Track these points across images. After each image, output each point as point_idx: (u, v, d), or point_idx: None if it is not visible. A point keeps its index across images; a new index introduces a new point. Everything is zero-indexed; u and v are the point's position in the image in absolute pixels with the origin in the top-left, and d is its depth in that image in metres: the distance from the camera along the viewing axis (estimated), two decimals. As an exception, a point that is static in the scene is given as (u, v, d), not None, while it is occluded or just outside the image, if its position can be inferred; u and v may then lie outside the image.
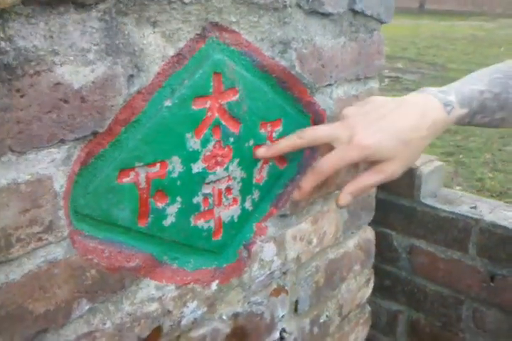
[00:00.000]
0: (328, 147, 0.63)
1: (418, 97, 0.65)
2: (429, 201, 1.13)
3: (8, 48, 0.39)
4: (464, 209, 1.09)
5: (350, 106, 0.67)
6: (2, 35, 0.39)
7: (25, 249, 0.45)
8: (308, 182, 0.63)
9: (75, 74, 0.44)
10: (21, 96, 0.41)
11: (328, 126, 0.64)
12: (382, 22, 0.84)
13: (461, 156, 3.83)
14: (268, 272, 0.75)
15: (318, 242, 0.85)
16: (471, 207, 1.10)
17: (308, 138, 0.64)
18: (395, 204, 1.18)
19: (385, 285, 1.23)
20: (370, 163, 0.63)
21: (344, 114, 0.65)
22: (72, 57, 0.44)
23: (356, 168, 0.81)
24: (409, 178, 1.14)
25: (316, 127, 0.67)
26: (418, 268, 1.17)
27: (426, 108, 0.63)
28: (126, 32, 0.48)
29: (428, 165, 1.16)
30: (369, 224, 1.03)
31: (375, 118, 0.62)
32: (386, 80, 5.89)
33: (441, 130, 0.64)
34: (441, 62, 6.75)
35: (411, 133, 0.61)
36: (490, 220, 1.03)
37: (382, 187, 1.17)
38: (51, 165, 0.45)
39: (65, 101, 0.44)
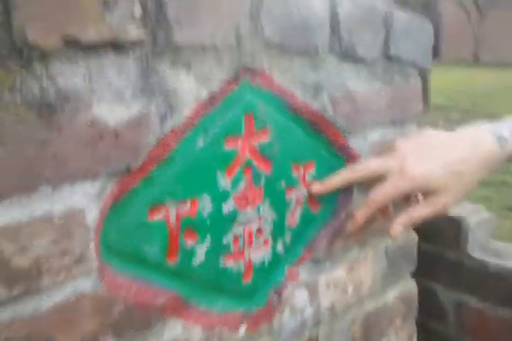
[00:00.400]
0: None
1: (470, 131, 0.65)
2: (477, 254, 1.08)
3: (49, 87, 0.42)
4: (514, 263, 1.03)
5: (385, 150, 0.68)
6: (45, 75, 0.42)
7: (55, 279, 0.46)
8: (361, 213, 0.64)
9: (111, 112, 0.47)
10: (59, 132, 0.43)
11: (380, 159, 0.65)
12: (419, 68, 0.85)
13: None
14: (300, 319, 0.73)
15: (354, 292, 0.81)
16: (523, 261, 1.04)
17: (360, 171, 0.65)
18: (441, 257, 1.13)
19: (431, 343, 1.16)
20: (422, 195, 0.63)
21: (395, 146, 0.65)
22: (108, 96, 0.46)
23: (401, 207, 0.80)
24: (456, 229, 1.10)
25: (367, 160, 0.67)
26: (467, 327, 1.10)
27: (478, 141, 0.62)
28: (161, 74, 0.51)
29: (475, 216, 1.12)
30: (413, 278, 0.99)
31: (426, 149, 0.62)
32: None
33: (495, 164, 0.63)
34: (497, 113, 6.64)
35: (462, 165, 0.61)
36: (542, 274, 0.97)
37: (426, 238, 1.13)
38: (84, 199, 0.47)
39: (100, 138, 0.46)
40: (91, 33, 0.44)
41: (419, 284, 1.02)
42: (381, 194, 0.61)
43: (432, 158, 0.61)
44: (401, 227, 0.62)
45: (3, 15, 0.39)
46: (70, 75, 0.44)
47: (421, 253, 1.04)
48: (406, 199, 0.70)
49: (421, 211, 0.62)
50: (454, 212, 1.09)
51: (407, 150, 0.63)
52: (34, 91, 0.41)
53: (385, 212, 0.72)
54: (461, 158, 0.61)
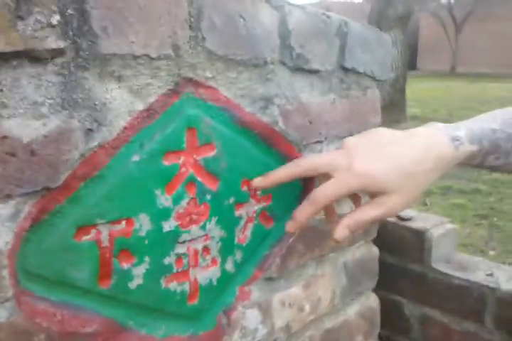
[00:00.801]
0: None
1: (424, 131, 0.62)
2: (441, 266, 1.06)
3: (-50, 100, 0.39)
4: (479, 276, 1.01)
5: None
6: None
7: (-39, 310, 0.42)
8: (303, 212, 0.58)
9: (25, 127, 0.43)
10: (-38, 149, 0.40)
11: (328, 154, 0.61)
12: (376, 80, 0.83)
13: (495, 219, 3.68)
14: (252, 341, 0.69)
15: (311, 309, 0.78)
16: (487, 275, 1.02)
17: (306, 166, 0.61)
18: (405, 270, 1.11)
19: (397, 359, 1.13)
20: (371, 195, 0.59)
21: (344, 143, 0.62)
22: (22, 111, 0.43)
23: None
24: (419, 241, 1.08)
25: (314, 155, 0.64)
26: (431, 340, 1.07)
27: (431, 141, 0.59)
28: (87, 86, 0.47)
29: (439, 228, 1.10)
30: (377, 291, 0.97)
31: (377, 146, 0.59)
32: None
33: (449, 166, 0.60)
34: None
35: (414, 165, 0.57)
36: (507, 289, 0.95)
37: (390, 251, 1.11)
38: (-5, 221, 0.43)
39: (13, 155, 0.43)
40: (1, 43, 0.41)
41: (383, 297, 1.00)
42: (326, 192, 0.56)
43: (383, 157, 0.57)
44: (346, 230, 0.57)
45: None
46: (-23, 88, 0.40)
47: (385, 266, 1.02)
48: (354, 200, 0.67)
49: (368, 212, 0.57)
50: (418, 223, 1.07)
51: (357, 147, 0.59)
52: None
53: (329, 213, 0.68)
54: (414, 157, 0.57)
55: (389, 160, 0.57)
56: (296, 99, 0.69)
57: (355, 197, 0.66)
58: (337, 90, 0.76)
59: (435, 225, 1.09)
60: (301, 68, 0.69)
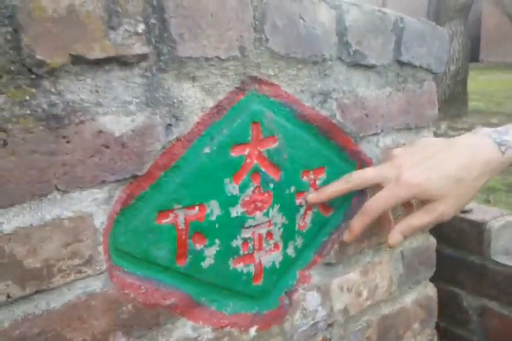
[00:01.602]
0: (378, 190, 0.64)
1: (470, 137, 0.64)
2: (500, 258, 1.06)
3: (57, 101, 0.46)
4: (539, 267, 1.01)
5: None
6: (53, 90, 0.45)
7: (65, 279, 0.49)
8: (358, 222, 0.63)
9: (117, 123, 0.50)
10: (67, 142, 0.47)
11: (376, 168, 0.65)
12: (432, 72, 0.85)
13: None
14: (312, 322, 0.74)
15: (369, 295, 0.82)
16: (549, 266, 1.01)
17: (356, 181, 0.65)
18: (464, 262, 1.11)
19: (456, 349, 1.14)
20: (422, 203, 0.63)
21: (391, 155, 0.65)
22: (114, 109, 0.50)
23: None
24: (478, 233, 1.08)
25: (363, 170, 0.68)
26: (491, 333, 1.08)
27: (478, 148, 0.62)
28: (166, 86, 0.54)
29: (499, 220, 1.10)
30: (436, 283, 0.99)
31: (423, 157, 0.62)
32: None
33: (498, 170, 0.62)
34: (540, 117, 6.42)
35: (461, 172, 0.60)
36: None
37: (449, 243, 1.12)
38: (93, 204, 0.50)
39: (107, 147, 0.49)
40: (96, 50, 0.47)
41: (442, 289, 1.02)
42: (377, 203, 0.61)
43: (430, 166, 0.60)
44: (400, 236, 0.61)
45: (13, 36, 0.42)
46: (77, 90, 0.47)
47: (444, 258, 1.04)
48: (407, 207, 0.70)
49: (420, 219, 0.61)
50: (477, 215, 1.08)
51: (404, 158, 0.62)
52: (43, 105, 0.45)
53: (383, 221, 0.72)
54: (460, 164, 0.60)
55: (436, 169, 0.60)
56: (353, 93, 0.73)
57: (407, 204, 0.69)
58: (393, 84, 0.79)
59: (494, 217, 1.09)
60: (357, 64, 0.72)
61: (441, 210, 0.60)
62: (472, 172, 0.60)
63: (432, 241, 0.94)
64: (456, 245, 1.12)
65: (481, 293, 1.09)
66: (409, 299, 0.91)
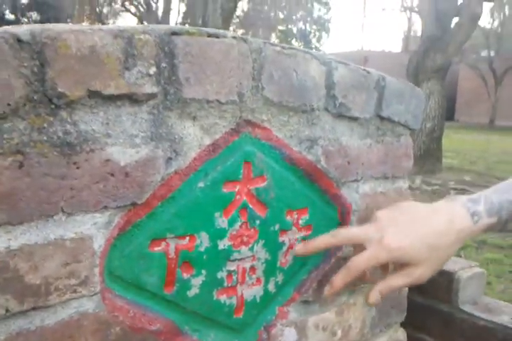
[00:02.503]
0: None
1: (447, 205, 0.70)
2: (467, 308, 1.10)
3: (72, 130, 0.50)
4: (503, 319, 1.05)
5: (376, 202, 0.73)
6: (69, 120, 0.50)
7: (61, 298, 0.52)
8: (339, 278, 0.68)
9: (123, 153, 0.54)
10: (77, 168, 0.51)
11: (361, 228, 0.70)
12: (409, 128, 0.92)
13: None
14: (288, 358, 0.76)
15: (342, 335, 0.85)
16: (512, 317, 1.06)
17: (341, 237, 0.71)
18: (433, 309, 1.15)
19: None
20: (400, 265, 0.68)
21: (376, 217, 0.71)
22: (121, 140, 0.54)
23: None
24: (448, 282, 1.13)
25: (349, 228, 0.73)
26: (459, 381, 1.10)
27: (453, 216, 0.68)
28: (170, 124, 0.59)
29: (467, 271, 1.15)
30: (404, 329, 1.02)
31: (405, 222, 0.68)
32: (452, 192, 5.84)
33: (468, 238, 0.69)
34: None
35: (438, 239, 0.66)
36: (532, 331, 0.99)
37: (419, 290, 1.16)
38: (93, 227, 0.54)
39: (112, 175, 0.54)
40: (111, 87, 0.53)
41: (411, 335, 1.05)
42: (360, 263, 0.66)
43: (411, 231, 0.66)
44: (379, 295, 0.66)
45: (39, 69, 0.47)
46: (90, 121, 0.52)
47: (413, 305, 1.07)
48: (383, 268, 0.75)
49: (398, 281, 0.67)
50: (447, 266, 1.12)
51: (387, 221, 0.68)
52: (58, 133, 0.49)
53: (362, 278, 0.76)
54: (437, 231, 0.66)
55: (416, 236, 0.66)
56: (337, 141, 0.79)
57: (383, 266, 0.75)
58: (374, 136, 0.85)
59: (463, 268, 1.15)
60: (342, 115, 0.79)
61: (418, 274, 0.66)
62: (447, 240, 0.66)
63: (405, 288, 0.98)
64: (426, 293, 1.16)
65: (449, 340, 1.12)
66: (381, 342, 0.94)
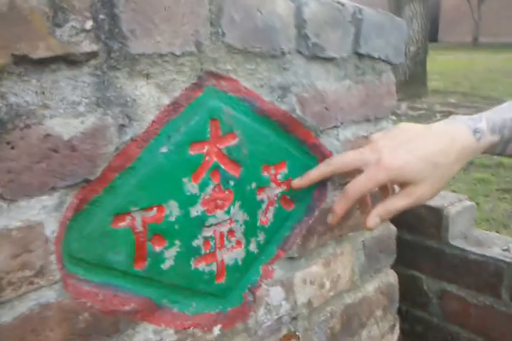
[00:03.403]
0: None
1: (447, 124, 0.65)
2: (457, 243, 1.09)
3: (0, 105, 0.43)
4: (495, 251, 1.04)
5: (359, 147, 0.68)
6: (-6, 93, 0.42)
7: (16, 292, 0.47)
8: (340, 206, 0.64)
9: (65, 125, 0.47)
10: (12, 148, 0.44)
11: (356, 151, 0.65)
12: (391, 63, 0.85)
13: (519, 193, 3.66)
14: (276, 317, 0.74)
15: (331, 286, 0.83)
16: (504, 250, 1.04)
17: (336, 164, 0.66)
18: (423, 246, 1.14)
19: (416, 332, 1.18)
20: (400, 187, 0.63)
21: (371, 139, 0.65)
22: (62, 110, 0.47)
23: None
24: (436, 219, 1.11)
25: (343, 153, 0.67)
26: (450, 314, 1.11)
27: (454, 134, 0.63)
28: (119, 85, 0.51)
29: (456, 206, 1.12)
30: (397, 267, 1.00)
31: (403, 141, 0.62)
32: (438, 115, 5.80)
33: (471, 157, 0.64)
34: (496, 96, 6.55)
35: (439, 156, 0.61)
36: (522, 263, 0.98)
37: (408, 228, 1.15)
38: (42, 212, 0.48)
39: (55, 151, 0.47)
40: (41, 49, 0.44)
41: (402, 273, 1.04)
42: (358, 186, 0.61)
43: (409, 150, 0.61)
44: (378, 219, 0.62)
45: None
46: (22, 92, 0.44)
47: (404, 243, 1.06)
48: (383, 191, 0.71)
49: (397, 202, 0.62)
50: (435, 201, 1.10)
51: (384, 142, 0.63)
52: (-17, 110, 0.42)
53: (363, 204, 0.72)
54: (438, 150, 0.61)
55: (415, 153, 0.60)
56: (312, 86, 0.72)
57: (383, 188, 0.70)
58: (352, 76, 0.78)
59: (452, 203, 1.12)
60: (316, 56, 0.71)
61: (420, 193, 0.61)
62: (449, 158, 0.61)
63: (393, 229, 0.96)
64: (415, 230, 1.14)
65: (440, 276, 1.12)
66: (371, 287, 0.92)
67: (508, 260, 1.00)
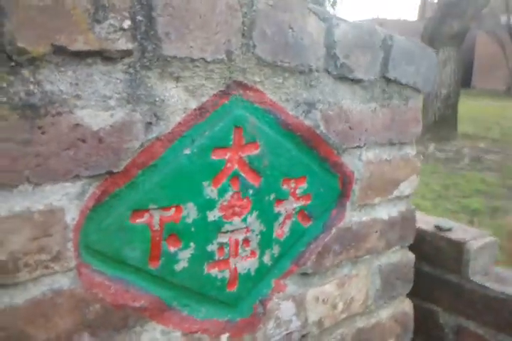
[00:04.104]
0: None
1: None
2: (478, 279, 1.06)
3: (35, 90, 0.45)
4: (516, 289, 1.01)
5: (381, 170, 0.67)
6: (32, 80, 0.45)
7: (31, 274, 0.48)
8: None
9: (95, 117, 0.49)
10: (42, 133, 0.46)
11: None
12: (419, 91, 0.86)
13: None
14: (285, 332, 0.73)
15: (344, 308, 0.81)
16: (525, 288, 1.01)
17: None
18: (442, 280, 1.11)
19: (430, 369, 1.13)
20: None
21: None
22: (93, 103, 0.49)
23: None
24: (457, 253, 1.08)
25: None
26: (466, 352, 1.07)
27: None
28: (149, 84, 0.54)
29: (479, 240, 1.10)
30: (413, 299, 0.98)
31: None
32: (466, 159, 5.74)
33: None
34: (525, 145, 6.48)
35: None
36: (544, 303, 0.94)
37: (428, 260, 1.12)
38: (65, 198, 0.49)
39: (83, 141, 0.49)
40: (79, 42, 0.47)
41: (419, 306, 1.01)
42: None
43: None
44: None
45: (-5, 24, 0.42)
46: (57, 81, 0.47)
47: (422, 275, 1.03)
48: None
49: None
50: (457, 235, 1.08)
51: None
52: (20, 94, 0.44)
53: None
54: None
55: None
56: (337, 105, 0.73)
57: None
58: (379, 99, 0.79)
59: (474, 237, 1.10)
60: (344, 77, 0.73)
61: None
62: None
63: (411, 257, 0.94)
64: (435, 263, 1.11)
65: (458, 311, 1.08)
66: (385, 314, 0.90)
67: (529, 299, 0.97)
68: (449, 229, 1.11)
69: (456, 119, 6.70)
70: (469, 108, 9.98)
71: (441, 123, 6.36)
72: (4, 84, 0.44)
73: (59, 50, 0.46)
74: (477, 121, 8.63)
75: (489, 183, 4.66)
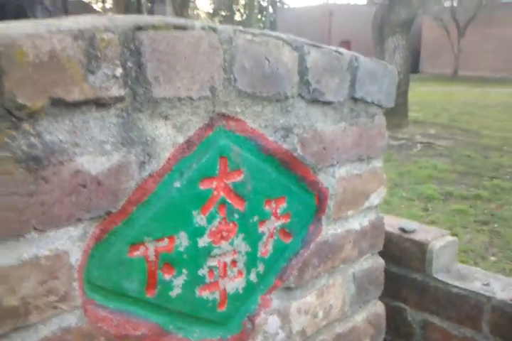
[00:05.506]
0: None
1: None
2: (441, 276, 1.14)
3: (36, 142, 0.47)
4: (476, 285, 1.09)
5: (352, 184, 0.72)
6: (32, 132, 0.47)
7: (41, 316, 0.50)
8: None
9: (93, 162, 0.52)
10: (46, 183, 0.48)
11: None
12: (382, 107, 0.91)
13: (496, 225, 3.74)
14: (272, 344, 0.78)
15: (324, 316, 0.87)
16: (484, 284, 1.10)
17: None
18: (408, 279, 1.19)
19: (401, 362, 1.21)
20: None
21: None
22: (91, 148, 0.51)
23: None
24: (421, 252, 1.16)
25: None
26: (433, 345, 1.15)
27: None
28: (141, 126, 0.56)
29: (440, 240, 1.18)
30: (382, 299, 1.05)
31: None
32: (419, 146, 5.95)
33: None
34: (474, 129, 6.75)
35: None
36: (501, 298, 1.03)
37: (395, 261, 1.19)
38: (68, 242, 0.51)
39: (83, 186, 0.51)
40: (75, 93, 0.49)
41: (388, 304, 1.08)
42: None
43: None
44: None
45: (-3, 84, 0.44)
46: (56, 131, 0.49)
47: (390, 275, 1.10)
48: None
49: None
50: (420, 236, 1.15)
51: None
52: (22, 147, 0.46)
53: None
54: None
55: None
56: (312, 128, 0.77)
57: None
58: (347, 118, 0.84)
59: (436, 237, 1.17)
60: (316, 100, 0.77)
61: None
62: None
63: (381, 262, 1.00)
64: (401, 263, 1.19)
65: (424, 308, 1.16)
66: (360, 317, 0.96)
67: (488, 294, 1.05)
68: (413, 231, 1.18)
69: (407, 106, 6.92)
70: (418, 94, 10.31)
71: (393, 111, 6.56)
72: (7, 140, 0.45)
73: (56, 102, 0.48)
74: (426, 107, 8.94)
75: (441, 169, 4.87)
